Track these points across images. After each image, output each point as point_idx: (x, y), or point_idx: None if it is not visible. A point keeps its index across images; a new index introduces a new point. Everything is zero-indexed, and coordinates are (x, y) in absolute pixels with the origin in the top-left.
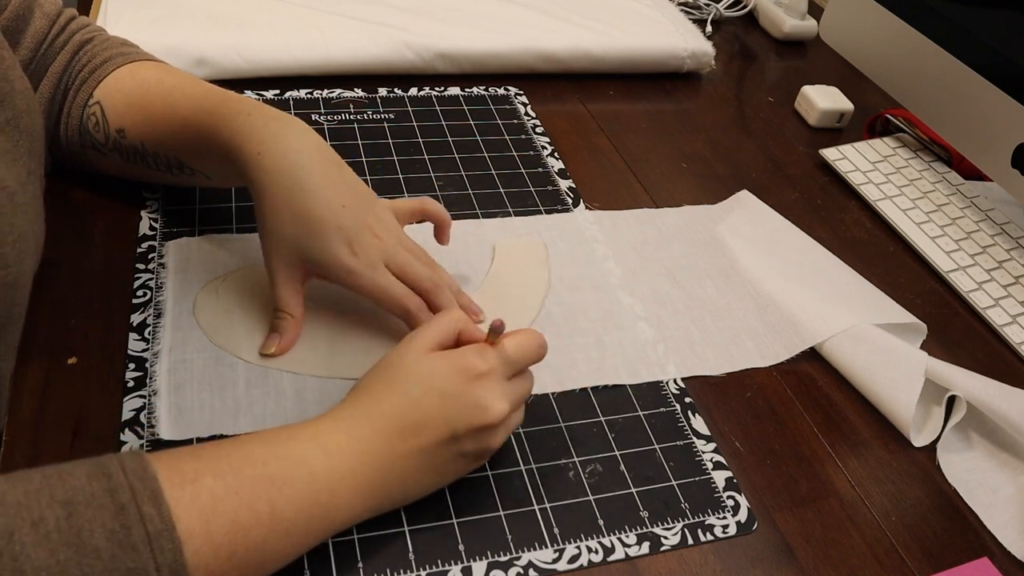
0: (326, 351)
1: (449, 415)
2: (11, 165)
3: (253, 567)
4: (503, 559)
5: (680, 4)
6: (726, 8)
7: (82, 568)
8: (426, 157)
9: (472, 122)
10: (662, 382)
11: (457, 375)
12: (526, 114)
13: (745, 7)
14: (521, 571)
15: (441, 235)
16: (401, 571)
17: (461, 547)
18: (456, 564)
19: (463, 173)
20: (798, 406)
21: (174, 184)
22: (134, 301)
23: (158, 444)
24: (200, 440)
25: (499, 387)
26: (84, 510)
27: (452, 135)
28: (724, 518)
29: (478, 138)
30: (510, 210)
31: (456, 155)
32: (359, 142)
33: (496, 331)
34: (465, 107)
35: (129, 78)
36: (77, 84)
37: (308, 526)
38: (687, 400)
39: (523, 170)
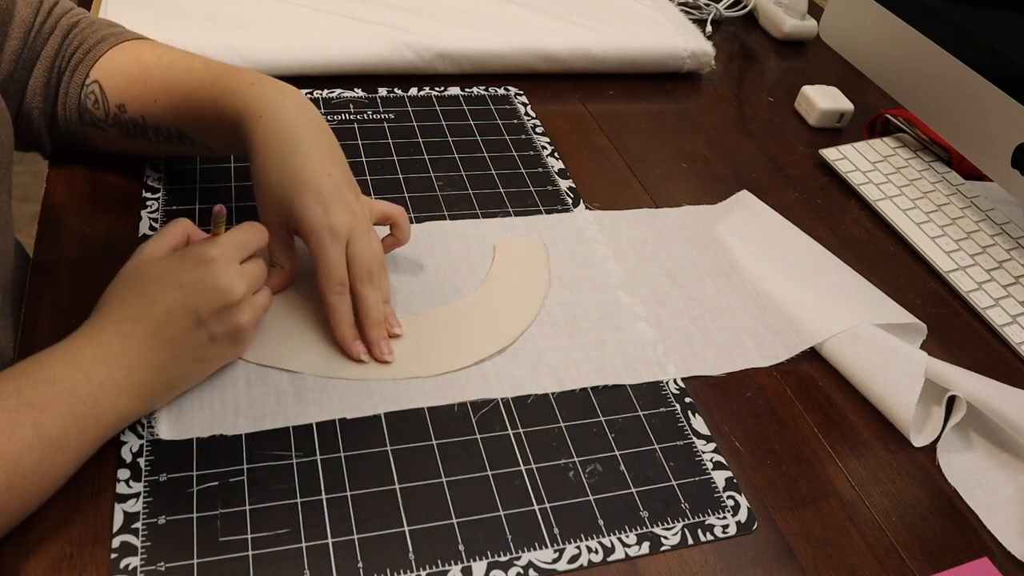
0: (326, 351)
1: (191, 302)
2: None
3: (33, 492)
4: (503, 559)
5: (680, 4)
6: (726, 8)
7: None
8: (426, 157)
9: (472, 122)
10: (662, 382)
11: (191, 265)
12: (526, 114)
13: (745, 7)
14: (521, 571)
15: (391, 243)
16: (401, 571)
17: (461, 547)
18: (456, 564)
19: (463, 173)
20: (798, 406)
21: (171, 155)
22: None
23: (158, 444)
24: (200, 440)
25: (233, 268)
26: None
27: (452, 135)
28: (724, 518)
29: (478, 138)
30: (510, 210)
31: (456, 155)
32: (359, 142)
33: (218, 217)
34: (465, 107)
35: (126, 57)
36: (72, 65)
37: (79, 438)
38: (687, 400)
39: (523, 170)
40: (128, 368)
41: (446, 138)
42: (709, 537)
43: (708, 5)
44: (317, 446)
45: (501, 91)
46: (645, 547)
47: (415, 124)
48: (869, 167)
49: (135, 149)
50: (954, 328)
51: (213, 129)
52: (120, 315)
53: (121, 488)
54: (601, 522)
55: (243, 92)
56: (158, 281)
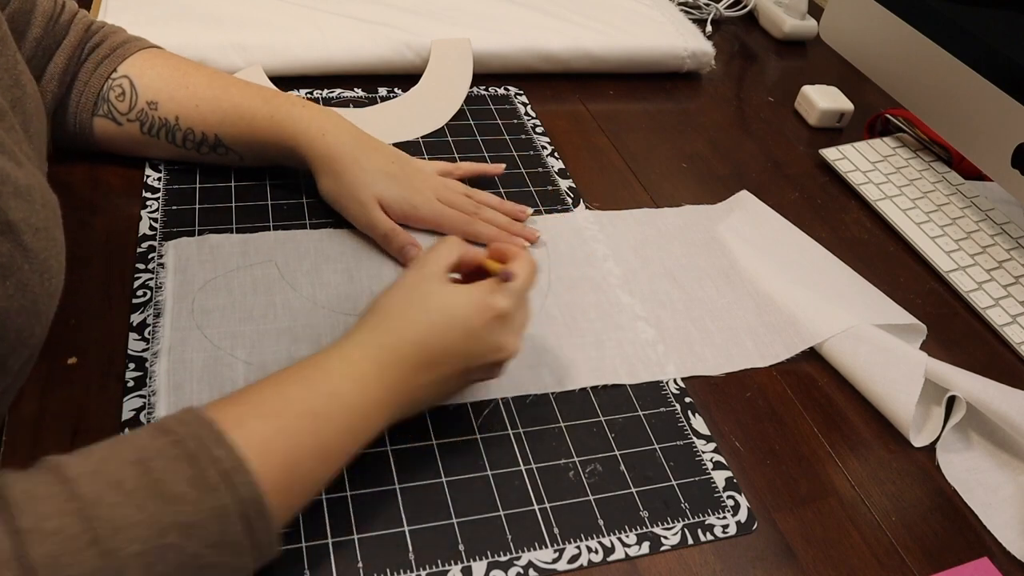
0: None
1: (469, 351)
2: (42, 176)
3: (303, 497)
4: (503, 559)
5: (680, 4)
6: (726, 8)
7: (170, 516)
8: (426, 157)
9: (472, 122)
10: (662, 382)
11: (482, 313)
12: (526, 114)
13: (745, 7)
14: (521, 571)
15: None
16: (401, 571)
17: (461, 547)
18: (456, 564)
19: None
20: (798, 406)
21: (173, 159)
22: (134, 301)
23: None
24: None
25: (515, 325)
26: (157, 464)
27: (452, 135)
28: (724, 518)
29: (478, 138)
30: None
31: (456, 155)
32: None
33: (505, 278)
34: (465, 107)
35: (160, 60)
36: (97, 58)
37: (347, 451)
38: (687, 400)
39: (523, 170)
40: (396, 393)
41: (446, 138)
42: (709, 537)
43: (708, 5)
44: None
45: (501, 91)
46: (645, 547)
47: None
48: (869, 167)
49: (135, 148)
50: (954, 328)
51: (260, 143)
52: (401, 335)
53: None
54: (601, 522)
55: (297, 113)
56: (444, 315)
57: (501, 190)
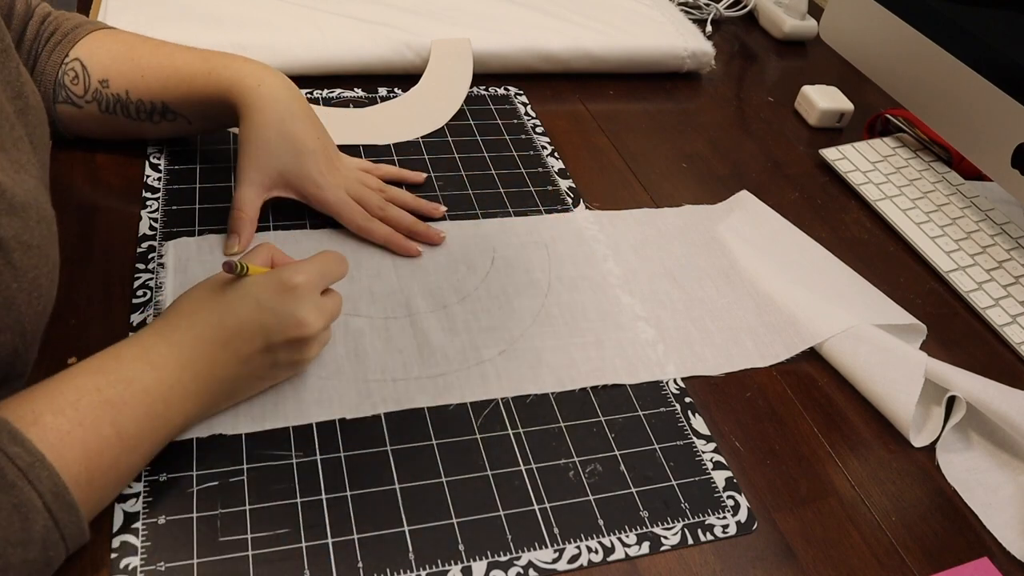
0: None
1: (264, 325)
2: (44, 188)
3: (111, 486)
4: (503, 559)
5: (680, 4)
6: (726, 8)
7: None
8: (426, 157)
9: (472, 122)
10: (662, 382)
11: (273, 286)
12: (526, 114)
13: (745, 7)
14: (521, 571)
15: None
16: (401, 571)
17: (461, 547)
18: (456, 564)
19: (463, 173)
20: (798, 406)
21: (141, 136)
22: (134, 301)
23: None
24: (200, 440)
25: (313, 301)
26: None
27: (452, 135)
28: (724, 518)
29: (478, 138)
30: (510, 210)
31: (456, 155)
32: (359, 144)
33: (228, 269)
34: (465, 107)
35: (109, 39)
36: (50, 47)
37: (152, 437)
38: (687, 400)
39: (523, 170)
40: (195, 372)
41: (446, 138)
42: (709, 537)
43: (708, 5)
44: (317, 446)
45: (501, 91)
46: (645, 547)
47: None
48: (869, 167)
49: (101, 129)
50: (954, 328)
51: (201, 102)
52: (194, 316)
53: None
54: (601, 522)
55: (238, 65)
56: (236, 292)
57: (502, 190)
